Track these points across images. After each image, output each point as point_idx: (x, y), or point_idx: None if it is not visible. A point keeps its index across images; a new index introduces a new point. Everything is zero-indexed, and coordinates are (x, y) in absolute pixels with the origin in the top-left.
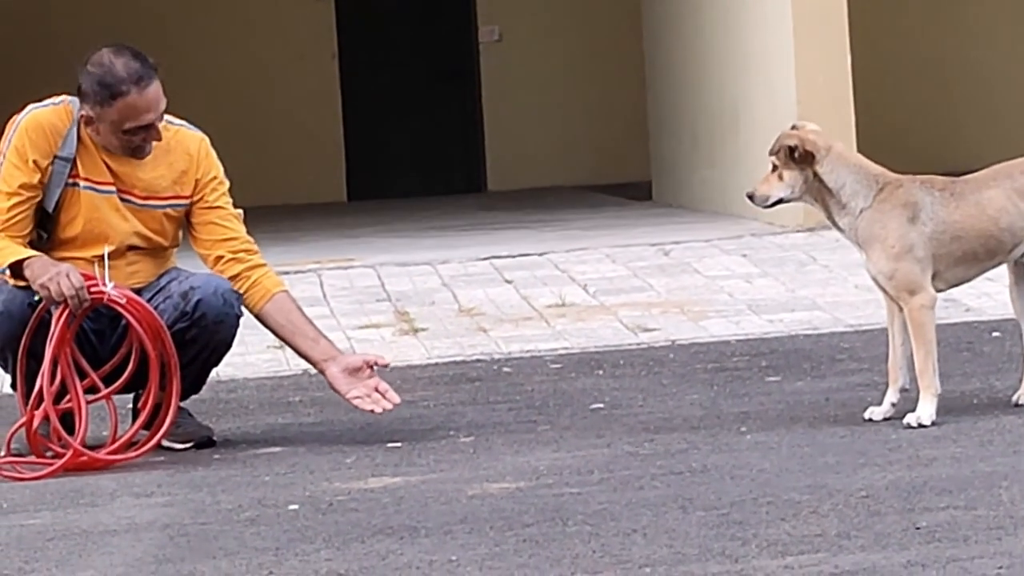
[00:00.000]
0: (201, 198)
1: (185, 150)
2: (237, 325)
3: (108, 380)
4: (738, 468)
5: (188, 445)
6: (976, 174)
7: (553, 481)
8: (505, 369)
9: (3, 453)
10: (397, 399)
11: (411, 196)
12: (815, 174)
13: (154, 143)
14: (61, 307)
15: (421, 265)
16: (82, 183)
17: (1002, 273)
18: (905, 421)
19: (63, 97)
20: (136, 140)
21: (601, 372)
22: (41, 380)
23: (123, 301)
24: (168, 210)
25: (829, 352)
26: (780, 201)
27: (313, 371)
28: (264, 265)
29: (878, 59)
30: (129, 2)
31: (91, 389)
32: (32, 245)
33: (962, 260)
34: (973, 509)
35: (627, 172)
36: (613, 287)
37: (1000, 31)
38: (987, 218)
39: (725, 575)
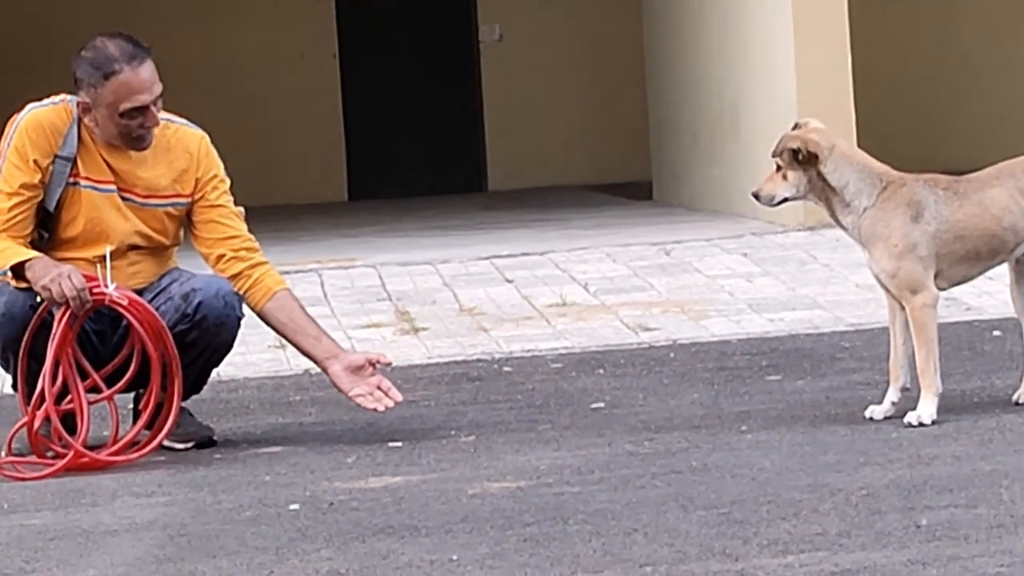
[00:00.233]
0: (202, 196)
1: (185, 148)
2: (238, 327)
3: (109, 380)
4: (739, 467)
5: (189, 445)
6: (979, 173)
7: (554, 480)
8: (506, 368)
9: (4, 453)
10: (399, 397)
11: (412, 196)
12: (819, 174)
13: (154, 142)
14: (63, 308)
15: (422, 264)
16: (83, 182)
17: (1003, 272)
18: (906, 420)
19: (63, 96)
20: (133, 125)
21: (602, 371)
22: (43, 381)
23: (125, 302)
24: (169, 209)
25: (830, 351)
26: (785, 200)
27: (314, 370)
28: (266, 263)
29: (878, 58)
30: (130, 3)
31: (93, 389)
32: (33, 245)
33: (965, 259)
34: (974, 508)
35: (628, 171)
36: (614, 286)
37: (1000, 30)
38: (990, 217)
39: (726, 574)
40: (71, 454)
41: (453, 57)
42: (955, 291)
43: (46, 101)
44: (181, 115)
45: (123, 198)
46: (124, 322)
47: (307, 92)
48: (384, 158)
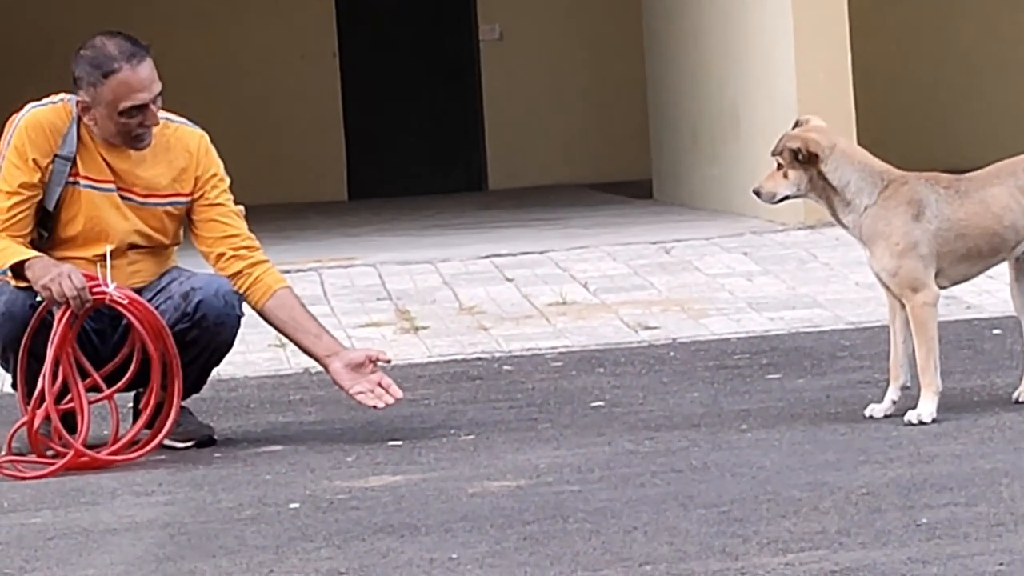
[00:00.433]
0: (201, 195)
1: (185, 147)
2: (238, 326)
3: (109, 380)
4: (739, 466)
5: (189, 444)
6: (980, 171)
7: (554, 479)
8: (506, 367)
9: (4, 452)
10: (399, 394)
11: (412, 194)
12: (819, 172)
13: (153, 141)
14: (63, 308)
15: (422, 263)
16: (82, 181)
17: (1002, 271)
18: (906, 418)
19: (62, 96)
20: (133, 124)
21: (602, 370)
22: (43, 380)
23: (125, 301)
24: (169, 208)
25: (830, 350)
26: (786, 198)
27: (314, 369)
28: (266, 261)
29: (878, 58)
30: (130, 3)
31: (93, 388)
32: (33, 244)
33: (966, 257)
34: (974, 506)
35: (628, 170)
36: (614, 285)
37: (1000, 30)
38: (991, 215)
39: (726, 572)
40: (71, 453)
41: (453, 56)
42: (955, 289)
43: (45, 101)
44: (181, 114)
45: (122, 197)
46: (124, 321)
47: (307, 91)
48: (384, 157)
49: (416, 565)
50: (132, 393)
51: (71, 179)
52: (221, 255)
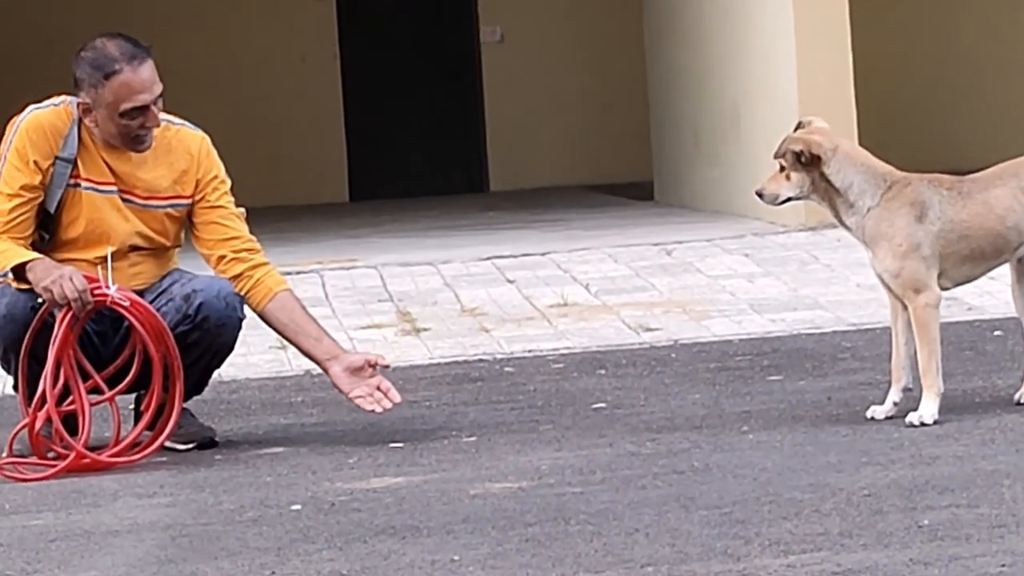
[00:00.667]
0: (202, 197)
1: (186, 149)
2: (239, 328)
3: (111, 382)
4: (740, 467)
5: (190, 446)
6: (982, 173)
7: (555, 481)
8: (507, 369)
9: (6, 454)
10: (398, 398)
11: (413, 196)
12: (822, 174)
13: (154, 143)
14: (64, 310)
15: (423, 265)
16: (83, 183)
17: (1004, 272)
18: (907, 420)
19: (63, 98)
20: (134, 125)
21: (603, 372)
22: (44, 382)
23: (126, 303)
24: (170, 210)
25: (831, 351)
26: (789, 200)
27: (316, 371)
28: (267, 264)
29: (879, 58)
30: (131, 4)
31: (94, 390)
32: (34, 246)
33: (969, 258)
34: (976, 507)
35: (629, 172)
36: (615, 287)
37: (1001, 30)
38: (995, 217)
39: (727, 574)
40: (72, 455)
41: (454, 58)
42: (956, 291)
43: (46, 103)
44: (181, 116)
45: (124, 199)
46: (125, 323)
47: (308, 93)
48: (385, 159)
49: (418, 567)
50: (133, 395)
51: (72, 181)
52: (222, 257)
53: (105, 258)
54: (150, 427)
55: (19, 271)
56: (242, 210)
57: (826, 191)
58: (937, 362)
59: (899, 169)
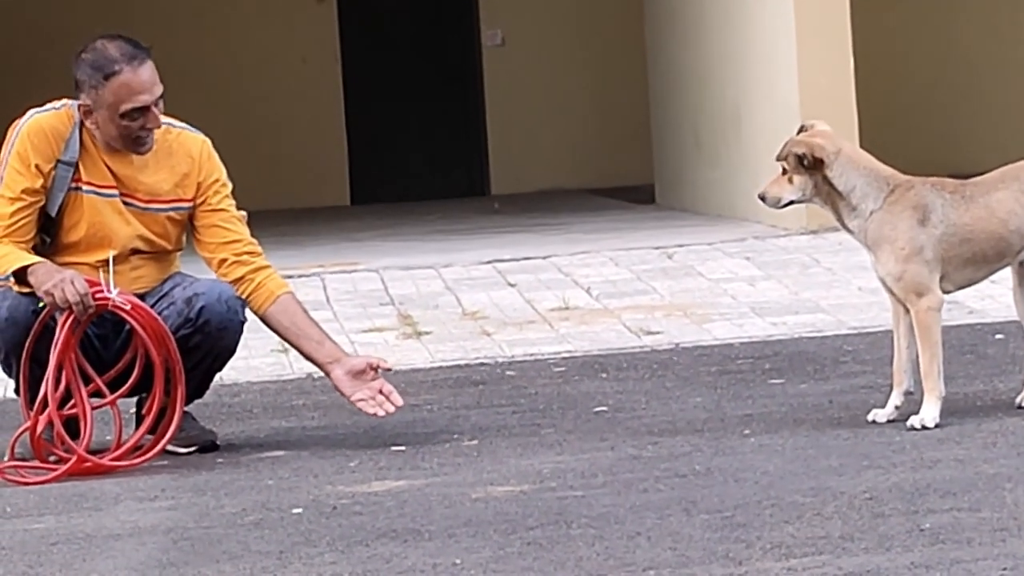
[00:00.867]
0: (204, 201)
1: (187, 152)
2: (241, 332)
3: (112, 385)
4: (742, 471)
5: (192, 449)
6: (984, 176)
7: (557, 484)
8: (509, 372)
9: (7, 458)
10: (400, 401)
11: (414, 200)
12: (824, 178)
13: (155, 146)
14: (66, 313)
15: (424, 269)
16: (85, 187)
17: (1005, 276)
18: (909, 423)
19: (64, 101)
20: (135, 127)
21: (605, 375)
22: (46, 385)
23: (127, 307)
24: (171, 213)
25: (832, 354)
26: (791, 203)
27: (317, 375)
28: (268, 267)
29: (880, 61)
30: (131, 6)
31: (96, 394)
32: (35, 250)
33: (971, 262)
34: (977, 511)
35: (630, 175)
36: (616, 290)
37: (1001, 31)
38: (997, 220)
39: None
40: (74, 459)
41: (455, 61)
42: (958, 294)
43: (48, 106)
44: (182, 119)
45: (125, 203)
46: (127, 327)
47: (309, 95)
48: (386, 162)
49: (419, 570)
50: (135, 399)
51: (73, 184)
52: (223, 261)
53: (106, 261)
54: (151, 431)
55: (21, 275)
56: (243, 213)
57: (828, 194)
58: (939, 366)
59: (901, 171)
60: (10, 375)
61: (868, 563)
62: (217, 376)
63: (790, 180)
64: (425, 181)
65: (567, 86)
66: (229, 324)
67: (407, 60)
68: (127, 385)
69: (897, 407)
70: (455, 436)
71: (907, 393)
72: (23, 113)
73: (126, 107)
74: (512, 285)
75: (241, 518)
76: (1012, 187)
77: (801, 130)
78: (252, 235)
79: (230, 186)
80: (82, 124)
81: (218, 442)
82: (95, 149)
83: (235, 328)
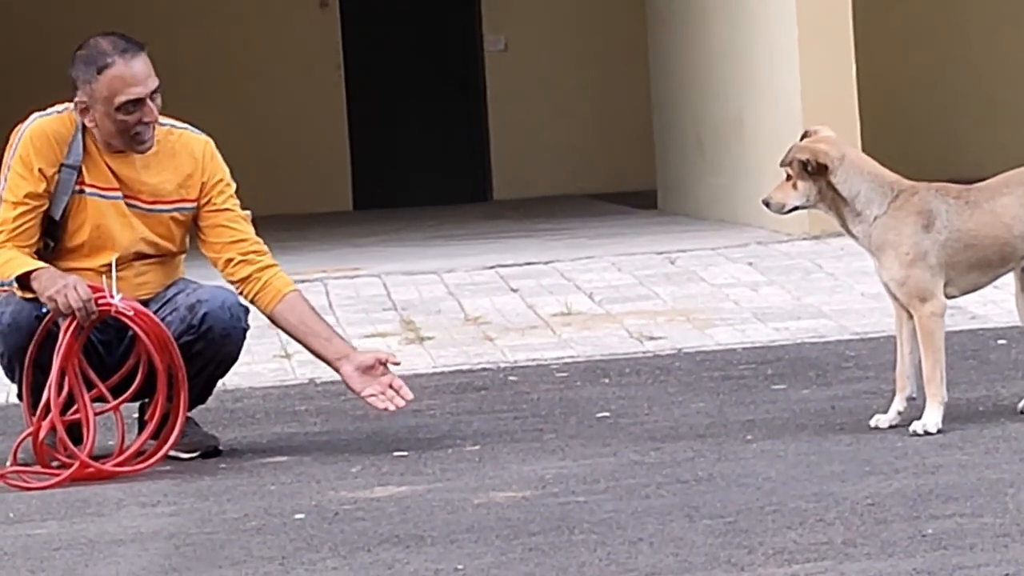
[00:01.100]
0: (208, 201)
1: (190, 153)
2: (243, 339)
3: (115, 391)
4: (744, 476)
5: (194, 455)
6: (989, 181)
7: (559, 490)
8: (511, 378)
9: (10, 463)
10: (410, 395)
11: (417, 205)
12: (829, 183)
13: (158, 147)
14: (69, 319)
15: (427, 274)
16: (88, 190)
17: (1008, 281)
18: (911, 429)
19: (67, 105)
20: (131, 121)
21: (607, 381)
22: (48, 391)
23: (130, 313)
24: (175, 214)
25: (835, 360)
26: (795, 208)
27: (319, 380)
28: (274, 266)
29: (882, 67)
30: (134, 12)
31: (98, 399)
32: (39, 254)
33: (975, 267)
34: (979, 517)
35: (633, 180)
36: (619, 295)
37: (1002, 39)
38: (1002, 225)
39: None
40: (76, 464)
41: (458, 66)
42: (960, 300)
43: (50, 110)
44: (185, 121)
45: (128, 205)
46: (130, 332)
47: (312, 102)
48: (389, 168)
49: None
50: (138, 404)
51: (77, 188)
52: (229, 260)
53: (110, 266)
54: (154, 436)
55: (24, 280)
56: (248, 212)
57: (833, 200)
58: (941, 371)
59: (904, 175)
60: (13, 380)
61: (870, 569)
62: (220, 382)
63: (794, 186)
64: (428, 186)
65: (570, 91)
66: (232, 331)
67: (410, 65)
68: (130, 391)
69: (900, 412)
70: (457, 441)
71: (910, 398)
72: (26, 117)
73: (120, 99)
74: (514, 290)
75: (243, 524)
76: (1016, 192)
77: (805, 136)
78: (257, 234)
79: (234, 186)
80: (85, 128)
81: (221, 447)
82: (97, 152)
83: (238, 335)
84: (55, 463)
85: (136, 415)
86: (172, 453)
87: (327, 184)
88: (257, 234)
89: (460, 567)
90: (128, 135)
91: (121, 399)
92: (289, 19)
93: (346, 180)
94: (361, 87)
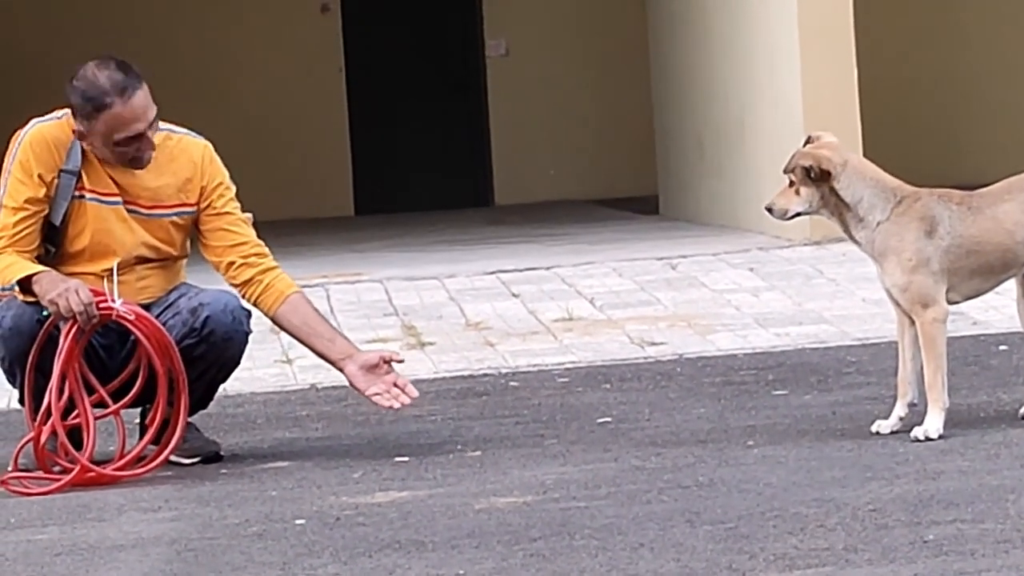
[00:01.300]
0: (208, 205)
1: (189, 158)
2: (246, 342)
3: (116, 395)
4: (745, 482)
5: (195, 460)
6: (991, 187)
7: (560, 495)
8: (512, 383)
9: (11, 468)
10: (415, 393)
11: (418, 210)
12: (832, 189)
13: (157, 153)
14: (70, 323)
15: (428, 279)
16: (88, 195)
17: (1010, 287)
18: (912, 435)
19: (66, 111)
20: (129, 151)
21: (608, 386)
22: (49, 395)
23: (132, 317)
24: (175, 218)
25: (836, 365)
26: (798, 214)
27: (320, 385)
28: (276, 268)
29: (883, 69)
30: (135, 17)
31: (99, 404)
32: (40, 260)
33: (978, 273)
34: (980, 522)
35: (634, 186)
36: (620, 301)
37: (1003, 44)
38: (1004, 231)
39: None
40: (77, 469)
41: (459, 71)
42: (961, 305)
43: (50, 116)
44: (185, 126)
45: (128, 210)
46: (131, 337)
47: (313, 106)
48: (390, 172)
49: None
50: (139, 409)
51: (77, 193)
52: (231, 264)
53: (111, 270)
54: (155, 441)
55: (25, 284)
56: (249, 215)
57: (836, 206)
58: (943, 377)
59: (904, 177)
60: (14, 385)
61: (871, 574)
62: (221, 387)
63: (797, 192)
64: (429, 191)
65: (571, 96)
66: (234, 335)
67: (411, 70)
68: (131, 395)
69: (901, 418)
70: (458, 447)
71: (911, 404)
72: (25, 123)
73: (119, 136)
74: (516, 296)
75: (244, 529)
76: (1018, 198)
77: (808, 141)
78: (258, 237)
79: (234, 188)
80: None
81: (222, 453)
82: (96, 158)
83: (240, 339)
84: (56, 468)
85: (137, 420)
86: (173, 458)
87: (328, 189)
88: (258, 237)
89: (461, 572)
90: (126, 160)
91: (121, 404)
92: (290, 21)
93: (347, 185)
94: (362, 92)
